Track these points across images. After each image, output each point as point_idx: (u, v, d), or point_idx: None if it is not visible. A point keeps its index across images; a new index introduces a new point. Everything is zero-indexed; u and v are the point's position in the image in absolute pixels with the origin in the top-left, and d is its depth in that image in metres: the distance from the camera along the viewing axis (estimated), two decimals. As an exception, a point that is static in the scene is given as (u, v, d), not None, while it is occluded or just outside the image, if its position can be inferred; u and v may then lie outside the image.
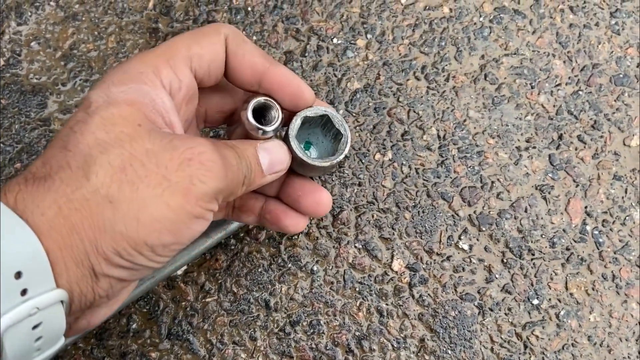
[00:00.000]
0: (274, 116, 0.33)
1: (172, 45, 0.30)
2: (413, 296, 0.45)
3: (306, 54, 0.49)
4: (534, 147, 0.49)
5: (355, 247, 0.46)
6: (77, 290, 0.25)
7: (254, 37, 0.49)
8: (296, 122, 0.33)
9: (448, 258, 0.46)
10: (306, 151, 0.35)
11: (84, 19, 0.48)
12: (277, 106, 0.33)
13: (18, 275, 0.23)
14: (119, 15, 0.49)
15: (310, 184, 0.36)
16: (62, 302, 0.25)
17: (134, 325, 0.43)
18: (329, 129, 0.36)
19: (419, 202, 0.47)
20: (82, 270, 0.25)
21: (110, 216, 0.25)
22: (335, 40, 0.49)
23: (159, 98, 0.28)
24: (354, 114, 0.48)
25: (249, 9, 0.50)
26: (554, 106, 0.50)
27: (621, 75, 0.51)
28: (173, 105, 0.29)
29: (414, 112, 0.49)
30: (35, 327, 0.24)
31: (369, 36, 0.50)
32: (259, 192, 0.38)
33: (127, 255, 0.26)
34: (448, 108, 0.49)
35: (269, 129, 0.32)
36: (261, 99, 0.32)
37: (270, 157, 0.32)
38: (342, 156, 0.34)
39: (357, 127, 0.48)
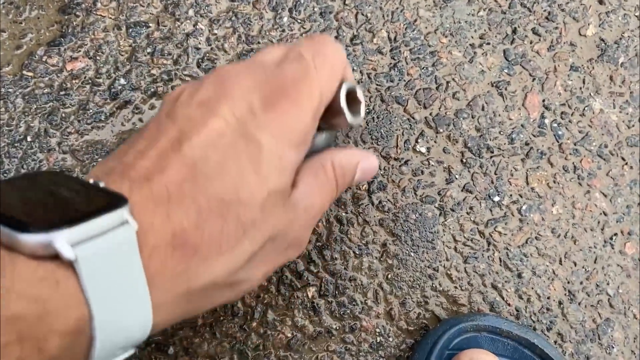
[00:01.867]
0: (360, 101, 0.34)
1: (329, 91, 0.32)
2: (372, 203, 0.44)
3: (244, -40, 0.46)
4: (488, 44, 0.47)
5: (310, 157, 0.44)
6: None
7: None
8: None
9: (406, 162, 0.45)
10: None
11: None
12: (361, 96, 0.34)
13: (122, 349, 0.24)
14: None
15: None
16: None
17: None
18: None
19: (373, 108, 0.45)
20: (174, 316, 0.28)
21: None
22: (273, -56, 0.47)
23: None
24: (299, 21, 0.46)
25: None
26: (506, 0, 0.48)
27: (574, -36, 0.49)
28: None
29: (362, 14, 0.47)
30: None
31: (309, -62, 0.47)
32: None
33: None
34: (397, 8, 0.47)
35: (359, 119, 0.34)
36: (350, 84, 0.33)
37: (364, 176, 0.35)
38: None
39: (304, 34, 0.46)
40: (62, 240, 0.20)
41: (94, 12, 0.44)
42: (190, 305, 0.26)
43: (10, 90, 0.42)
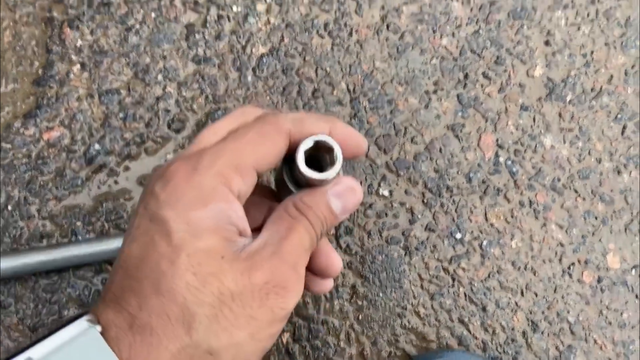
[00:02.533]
0: (334, 156, 0.30)
1: (238, 152, 0.29)
2: (340, 247, 0.46)
3: (207, 25, 0.49)
4: (442, 89, 0.50)
5: (279, 207, 0.46)
6: None
7: (153, 14, 0.49)
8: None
9: (370, 206, 0.47)
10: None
11: (-24, 17, 0.48)
12: (332, 142, 0.30)
13: None
14: (12, 9, 0.48)
15: (327, 245, 0.35)
16: None
17: None
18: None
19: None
20: None
21: None
22: (235, 8, 0.50)
23: (234, 212, 0.29)
24: (262, 79, 0.49)
25: (144, -13, 0.49)
26: (456, 47, 0.51)
27: (518, 9, 0.52)
28: (243, 212, 0.29)
29: (322, 69, 0.49)
30: None
31: (268, 0, 0.50)
32: None
33: None
34: (355, 62, 0.50)
35: (329, 176, 0.29)
36: (312, 140, 0.29)
37: (344, 203, 0.31)
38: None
39: (268, 91, 0.49)
40: (36, 353, 0.24)
41: (68, 83, 0.47)
42: None
43: (-10, 162, 0.45)
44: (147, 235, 0.28)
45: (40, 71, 0.47)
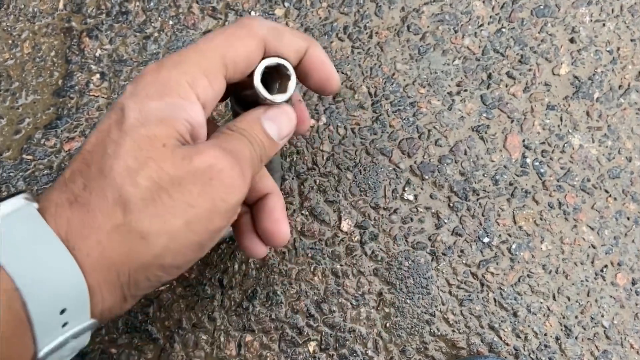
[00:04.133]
0: (287, 85, 0.30)
1: (207, 53, 0.29)
2: (365, 253, 0.45)
3: (226, 31, 0.49)
4: (465, 90, 0.49)
5: (302, 214, 0.46)
6: (107, 314, 0.28)
7: (170, 22, 0.48)
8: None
9: (395, 211, 0.46)
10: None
11: (-4, 29, 0.48)
12: (292, 72, 0.30)
13: (63, 311, 0.25)
14: (30, 20, 0.48)
15: (279, 211, 0.35)
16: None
17: (90, 325, 0.43)
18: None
19: (359, 161, 0.47)
20: (115, 298, 0.27)
21: (143, 250, 0.27)
22: (252, 13, 0.49)
23: (193, 112, 0.28)
24: (282, 84, 0.48)
25: (162, -6, 0.49)
26: (479, 47, 0.50)
27: (542, 7, 0.51)
28: (204, 118, 0.29)
29: (342, 72, 0.49)
30: (68, 350, 0.27)
31: (286, 4, 0.50)
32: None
33: (156, 278, 0.28)
34: (375, 64, 0.49)
35: (279, 99, 0.30)
36: (276, 60, 0.30)
37: (278, 126, 0.31)
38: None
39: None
40: None
41: (87, 93, 0.47)
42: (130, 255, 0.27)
43: (11, 174, 0.44)
44: (107, 123, 0.28)
45: (60, 82, 0.47)
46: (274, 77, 0.31)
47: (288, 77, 0.31)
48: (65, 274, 0.25)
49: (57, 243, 0.25)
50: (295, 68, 0.32)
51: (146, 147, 0.27)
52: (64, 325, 0.26)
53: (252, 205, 0.35)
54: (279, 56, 0.30)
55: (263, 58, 0.30)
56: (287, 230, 0.34)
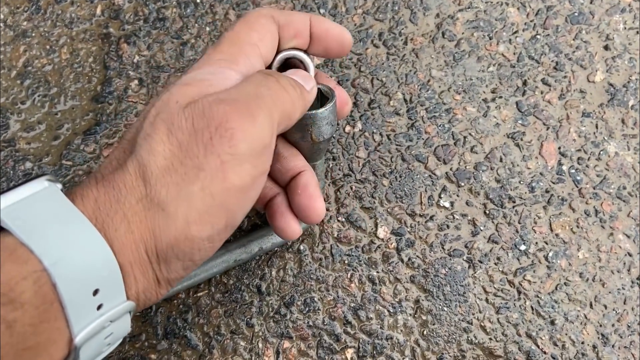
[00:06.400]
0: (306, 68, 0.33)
1: (238, 39, 0.31)
2: (402, 260, 0.45)
3: (262, 38, 0.49)
4: (501, 97, 0.49)
5: (339, 220, 0.46)
6: (142, 298, 0.27)
7: (207, 28, 0.48)
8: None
9: (431, 218, 0.46)
10: None
11: (34, 34, 0.48)
12: (307, 59, 0.34)
13: (96, 292, 0.24)
14: (68, 26, 0.48)
15: (313, 187, 0.35)
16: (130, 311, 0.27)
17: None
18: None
19: (395, 168, 0.47)
20: (148, 280, 0.27)
21: (164, 223, 0.26)
22: (288, 20, 0.49)
23: (221, 75, 0.29)
24: (318, 90, 0.48)
25: (198, 0, 0.49)
26: (514, 54, 0.50)
27: (576, 14, 0.51)
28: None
29: (378, 79, 0.49)
30: (106, 336, 0.26)
31: (322, 11, 0.50)
32: (274, 181, 0.37)
33: (184, 255, 0.27)
34: (410, 71, 0.49)
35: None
36: (288, 53, 0.33)
37: (306, 82, 0.32)
38: (333, 102, 0.34)
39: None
40: None
41: (126, 99, 0.47)
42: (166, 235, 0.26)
43: (51, 180, 0.45)
44: (151, 104, 0.29)
45: (98, 88, 0.47)
46: (291, 67, 0.34)
47: (304, 65, 0.34)
48: (94, 252, 0.24)
49: (84, 221, 0.24)
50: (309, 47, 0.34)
51: (162, 109, 0.27)
52: (99, 307, 0.25)
53: (286, 186, 0.35)
54: (292, 48, 0.33)
55: (278, 52, 0.33)
56: (322, 206, 0.34)
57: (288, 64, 0.34)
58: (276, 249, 0.45)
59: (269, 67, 0.33)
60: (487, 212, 0.46)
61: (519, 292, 0.45)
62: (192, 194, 0.26)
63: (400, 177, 0.47)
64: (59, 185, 0.26)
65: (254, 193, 0.28)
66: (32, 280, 0.22)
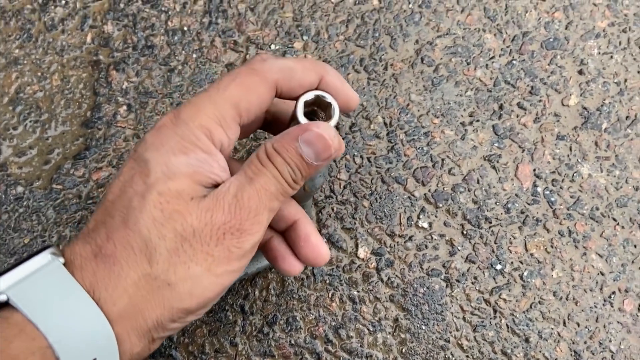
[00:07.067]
0: (331, 111, 0.32)
1: (222, 104, 0.31)
2: (382, 280, 0.47)
3: (246, 64, 0.50)
4: (478, 120, 0.51)
5: (320, 241, 0.47)
6: (135, 357, 0.30)
7: (194, 55, 0.50)
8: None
9: (410, 238, 0.48)
10: None
11: (25, 62, 0.49)
12: (331, 99, 0.32)
13: None
14: (59, 53, 0.50)
15: (315, 236, 0.36)
16: None
17: (117, 349, 0.44)
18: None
19: (375, 189, 0.49)
20: (143, 341, 0.29)
21: (170, 296, 0.29)
22: (273, 47, 0.51)
23: (216, 163, 0.31)
24: (301, 115, 0.50)
25: (185, 28, 0.51)
26: (490, 79, 0.52)
27: (551, 39, 0.53)
28: (225, 163, 0.31)
29: (359, 104, 0.50)
30: None
31: (304, 38, 0.52)
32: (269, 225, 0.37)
33: (181, 319, 0.30)
34: (390, 95, 0.51)
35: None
36: (313, 94, 0.32)
37: (315, 150, 0.31)
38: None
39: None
40: (2, 285, 0.26)
41: (115, 124, 0.48)
42: (156, 301, 0.29)
43: (42, 203, 0.46)
44: (129, 174, 0.30)
45: (88, 113, 0.48)
46: (314, 107, 0.33)
47: (327, 105, 0.32)
48: (93, 325, 0.27)
49: (84, 296, 0.27)
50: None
51: (173, 201, 0.29)
52: None
53: (283, 232, 0.37)
54: (315, 88, 0.32)
55: (300, 95, 0.32)
56: (327, 251, 0.36)
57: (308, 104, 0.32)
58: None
59: (292, 115, 0.32)
60: (465, 232, 0.48)
61: (495, 311, 0.46)
62: (199, 273, 0.29)
63: (380, 198, 0.48)
64: (62, 260, 0.28)
65: (241, 273, 0.32)
66: (39, 355, 0.26)
